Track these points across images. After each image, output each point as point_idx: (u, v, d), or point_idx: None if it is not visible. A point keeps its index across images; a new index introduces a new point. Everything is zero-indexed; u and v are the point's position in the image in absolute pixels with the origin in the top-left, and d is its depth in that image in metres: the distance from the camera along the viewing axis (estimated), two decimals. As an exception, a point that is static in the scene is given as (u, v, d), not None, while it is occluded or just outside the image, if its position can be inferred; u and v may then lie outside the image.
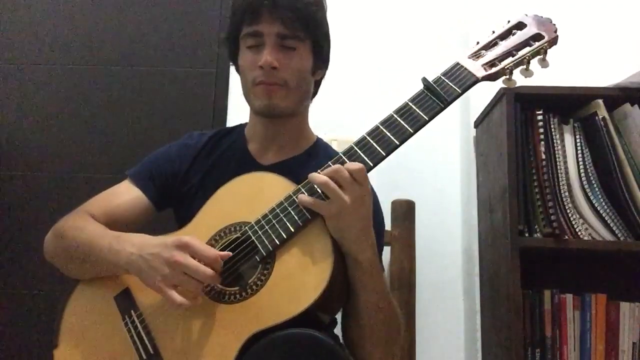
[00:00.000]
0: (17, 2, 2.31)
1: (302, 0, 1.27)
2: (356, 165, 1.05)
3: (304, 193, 1.10)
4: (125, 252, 1.12)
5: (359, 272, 1.10)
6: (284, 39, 1.28)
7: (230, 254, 1.09)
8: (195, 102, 2.19)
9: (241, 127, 1.49)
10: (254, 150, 1.41)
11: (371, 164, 1.09)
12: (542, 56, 1.12)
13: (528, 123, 1.65)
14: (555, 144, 1.63)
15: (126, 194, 1.36)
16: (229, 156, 1.41)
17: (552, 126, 1.64)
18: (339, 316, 1.23)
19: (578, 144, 1.64)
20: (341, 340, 1.21)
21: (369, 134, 1.12)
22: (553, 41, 1.13)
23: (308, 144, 1.44)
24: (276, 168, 1.32)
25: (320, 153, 1.43)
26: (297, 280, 1.05)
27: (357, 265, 1.09)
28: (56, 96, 2.24)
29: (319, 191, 1.08)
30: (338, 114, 2.07)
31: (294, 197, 1.10)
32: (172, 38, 2.25)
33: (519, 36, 1.14)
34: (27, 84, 2.25)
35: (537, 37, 1.13)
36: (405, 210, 1.81)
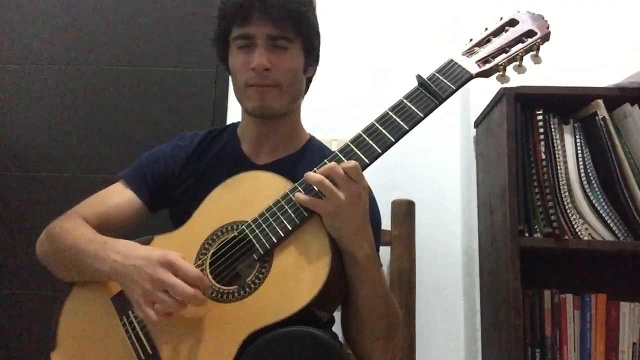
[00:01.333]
0: (17, 2, 2.32)
1: (292, 1, 1.27)
2: (351, 163, 1.05)
3: (300, 191, 1.10)
4: (110, 260, 1.12)
5: (358, 268, 1.10)
6: (275, 39, 1.28)
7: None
8: (195, 102, 2.20)
9: (233, 126, 1.49)
10: (248, 150, 1.41)
11: (367, 162, 1.09)
12: (535, 52, 1.13)
13: (528, 123, 1.65)
14: (555, 144, 1.63)
15: (119, 196, 1.36)
16: (223, 157, 1.41)
17: (552, 126, 1.64)
18: (337, 314, 1.23)
19: (578, 144, 1.63)
20: (340, 338, 1.22)
21: (364, 131, 1.13)
22: (545, 37, 1.13)
23: (301, 142, 1.44)
24: (271, 167, 1.32)
25: (314, 151, 1.43)
26: (295, 279, 1.05)
27: (355, 261, 1.09)
28: (56, 96, 2.25)
29: (316, 189, 1.08)
30: (338, 114, 2.08)
31: (291, 195, 1.11)
32: (172, 38, 2.26)
33: (512, 33, 1.15)
34: (27, 84, 2.26)
35: (529, 33, 1.14)
36: (405, 210, 1.81)
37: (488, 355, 1.76)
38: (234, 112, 2.09)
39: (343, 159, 1.10)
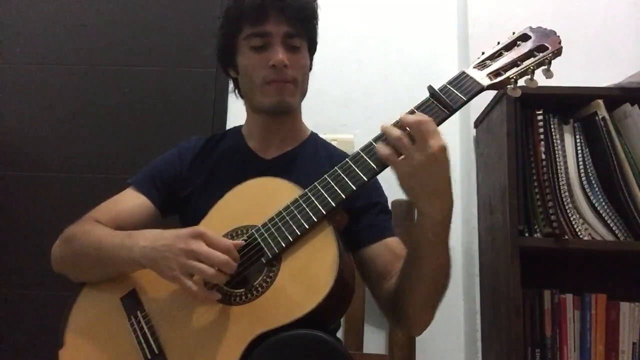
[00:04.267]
0: (18, 2, 2.31)
1: (306, 1, 1.33)
2: (426, 117, 1.01)
3: (310, 197, 1.10)
4: (138, 247, 1.13)
5: (430, 232, 1.06)
6: (290, 37, 1.31)
7: (243, 242, 1.11)
8: (195, 102, 2.20)
9: (236, 128, 1.52)
10: (255, 147, 1.43)
11: (377, 169, 1.09)
12: (546, 67, 1.13)
13: (528, 123, 1.65)
14: (555, 144, 1.63)
15: (130, 201, 1.37)
16: (230, 155, 1.43)
17: (552, 126, 1.65)
18: (342, 319, 1.23)
19: (578, 144, 1.64)
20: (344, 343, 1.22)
21: (375, 140, 1.12)
22: (557, 52, 1.13)
23: (304, 136, 1.47)
24: (279, 160, 1.38)
25: (318, 144, 1.47)
26: (302, 283, 1.05)
27: (430, 224, 1.05)
28: (56, 96, 2.24)
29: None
30: (338, 114, 2.08)
31: (300, 200, 1.11)
32: (172, 38, 2.26)
33: (524, 47, 1.15)
34: (27, 84, 2.25)
35: (541, 48, 1.14)
36: (405, 210, 1.81)
37: (488, 355, 1.77)
38: (234, 112, 2.09)
39: (353, 165, 1.10)
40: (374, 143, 1.08)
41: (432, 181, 1.01)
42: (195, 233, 1.07)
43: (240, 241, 1.11)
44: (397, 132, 1.01)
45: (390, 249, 1.28)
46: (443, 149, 1.00)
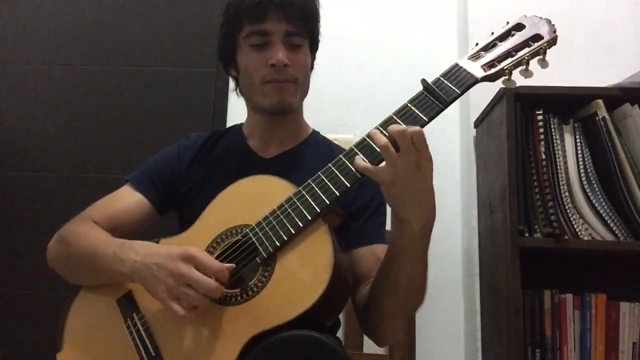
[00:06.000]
0: (17, 2, 2.32)
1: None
2: (416, 128, 0.99)
3: (304, 195, 1.09)
4: (130, 261, 1.12)
5: (410, 240, 1.05)
6: (291, 35, 1.30)
7: (234, 265, 1.09)
8: (195, 102, 2.21)
9: (236, 126, 1.50)
10: (255, 146, 1.41)
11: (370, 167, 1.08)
12: (541, 56, 1.10)
13: (528, 123, 1.65)
14: (555, 144, 1.63)
15: (127, 199, 1.35)
16: (229, 154, 1.42)
17: (552, 126, 1.64)
18: (342, 318, 1.23)
19: (578, 144, 1.64)
20: (343, 342, 1.21)
21: (368, 136, 1.11)
22: (552, 41, 1.11)
23: (305, 134, 1.46)
24: (278, 159, 1.36)
25: (319, 142, 1.45)
26: (298, 282, 1.05)
27: (410, 233, 1.04)
28: (56, 96, 2.25)
29: (350, 169, 1.07)
30: (338, 114, 2.09)
31: (294, 198, 1.10)
32: (172, 38, 2.26)
33: (518, 37, 1.12)
34: (27, 84, 2.26)
35: (536, 37, 1.11)
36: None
37: (488, 355, 1.77)
38: (234, 112, 2.10)
39: (346, 162, 1.08)
40: (367, 139, 1.07)
41: (414, 190, 1.01)
42: (186, 255, 1.05)
43: (231, 265, 1.08)
44: (383, 140, 1.01)
45: (375, 255, 1.25)
46: (427, 160, 1.00)
